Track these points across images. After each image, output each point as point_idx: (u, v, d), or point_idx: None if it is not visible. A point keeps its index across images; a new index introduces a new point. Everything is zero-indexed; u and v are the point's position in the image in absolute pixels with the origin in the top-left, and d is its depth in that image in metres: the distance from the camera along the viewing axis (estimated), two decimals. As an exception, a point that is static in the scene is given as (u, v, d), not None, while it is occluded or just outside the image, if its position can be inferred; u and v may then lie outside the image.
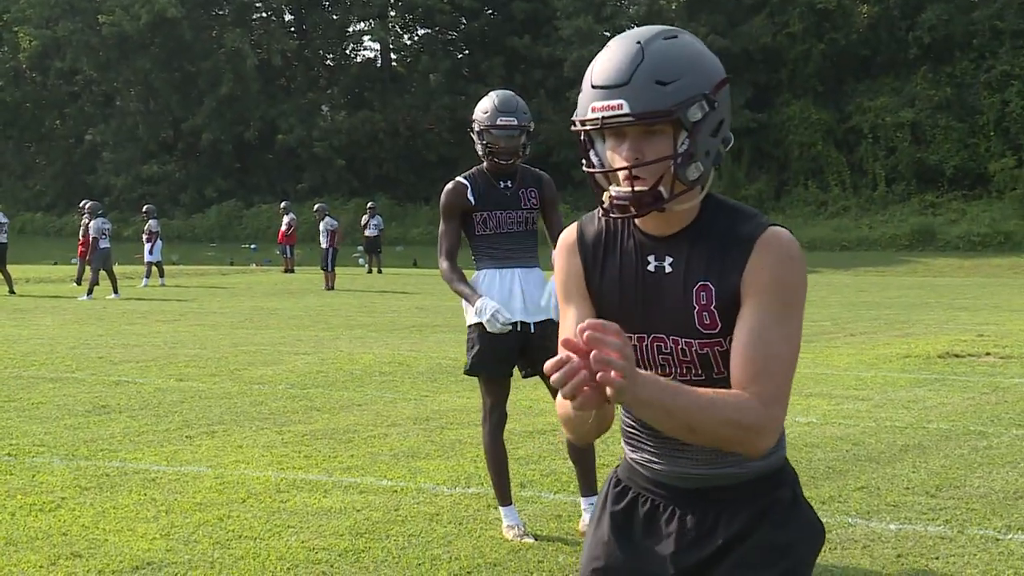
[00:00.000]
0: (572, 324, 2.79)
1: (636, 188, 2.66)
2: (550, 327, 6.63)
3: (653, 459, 2.85)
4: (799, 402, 10.95)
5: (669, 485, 2.84)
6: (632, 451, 2.91)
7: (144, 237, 32.62)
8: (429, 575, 5.84)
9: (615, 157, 2.69)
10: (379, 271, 38.16)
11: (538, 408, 10.84)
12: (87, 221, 28.25)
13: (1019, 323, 19.19)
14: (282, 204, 40.71)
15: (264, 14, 67.32)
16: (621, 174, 2.68)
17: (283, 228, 38.29)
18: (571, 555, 6.15)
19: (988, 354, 14.95)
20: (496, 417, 6.74)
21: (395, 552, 6.24)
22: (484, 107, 6.76)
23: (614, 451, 8.81)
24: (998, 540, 6.44)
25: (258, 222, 56.75)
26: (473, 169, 6.86)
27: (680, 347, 2.73)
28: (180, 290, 29.77)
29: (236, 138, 61.50)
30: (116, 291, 27.09)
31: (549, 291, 6.75)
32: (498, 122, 6.69)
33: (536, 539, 6.50)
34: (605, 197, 2.74)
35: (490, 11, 63.73)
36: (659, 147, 2.66)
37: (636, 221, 2.78)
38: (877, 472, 8.10)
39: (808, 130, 54.35)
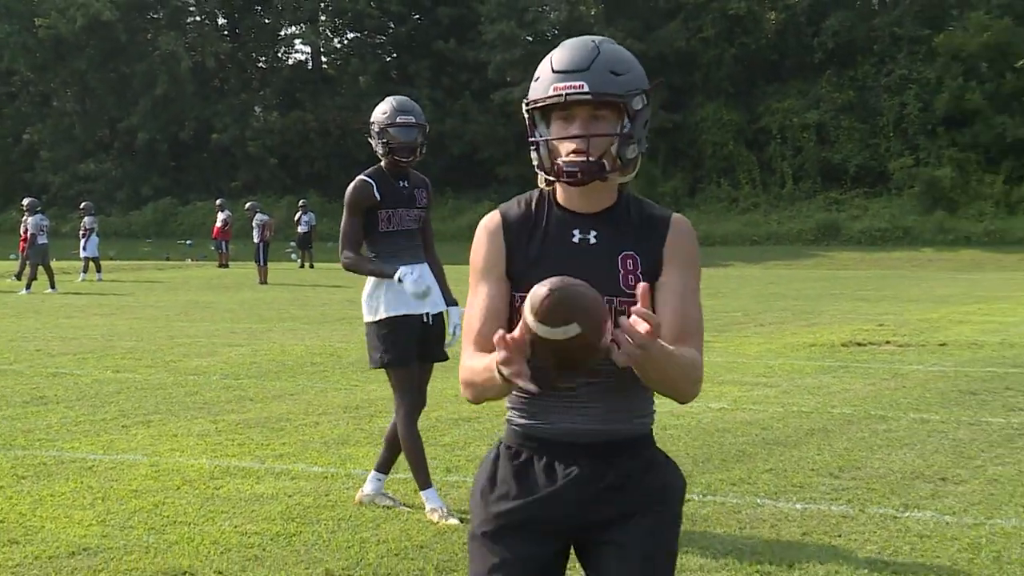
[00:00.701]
0: (484, 300, 3.01)
1: (589, 158, 2.95)
2: (441, 318, 6.91)
3: (555, 419, 2.99)
4: (712, 389, 11.03)
5: (565, 442, 2.98)
6: (524, 417, 3.03)
7: (80, 233, 32.20)
8: (358, 557, 5.82)
9: (562, 135, 2.98)
10: (311, 266, 37.92)
11: (463, 396, 10.82)
12: (26, 218, 27.85)
13: (917, 313, 19.48)
14: (217, 201, 40.34)
15: (198, 17, 66.62)
16: (568, 145, 2.96)
17: (218, 224, 37.94)
18: (494, 536, 6.16)
19: (888, 342, 15.15)
20: (411, 403, 6.75)
21: (325, 536, 6.20)
22: (383, 109, 6.91)
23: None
24: (896, 518, 6.53)
25: (193, 218, 56.22)
26: (371, 169, 6.93)
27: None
28: (117, 284, 29.40)
29: (171, 137, 60.82)
30: (53, 286, 26.71)
31: (456, 322, 7.01)
32: (397, 120, 6.82)
33: (461, 521, 6.50)
34: (548, 168, 3.01)
35: (417, 16, 63.54)
36: (604, 128, 2.99)
37: (560, 200, 3.05)
38: (784, 455, 8.18)
39: (720, 130, 54.76)
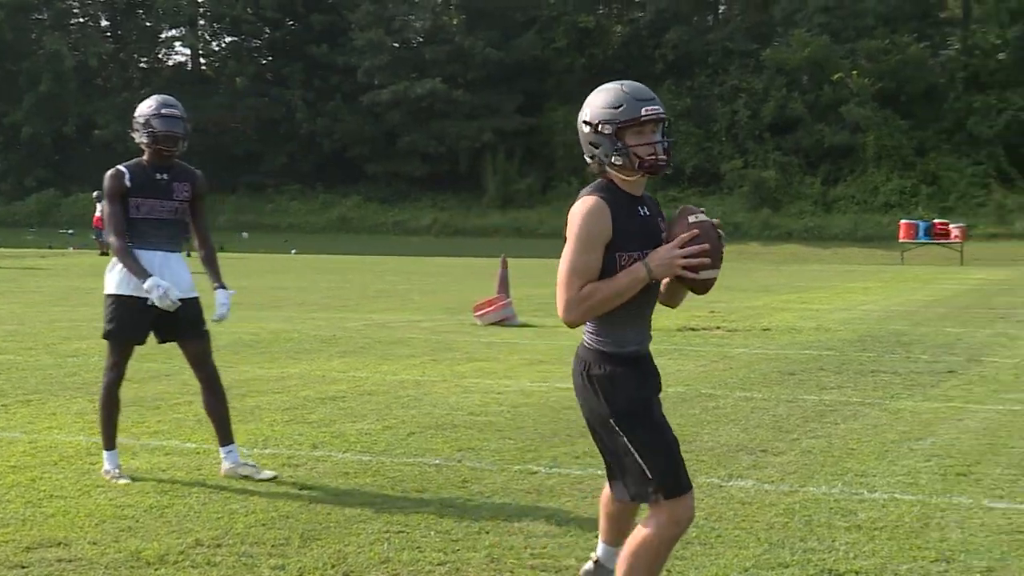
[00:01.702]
0: (593, 263, 3.95)
1: (667, 156, 4.09)
2: (188, 303, 6.83)
3: (640, 342, 4.16)
4: (558, 370, 11.09)
5: (644, 355, 4.19)
6: (628, 347, 4.11)
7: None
8: (227, 527, 5.72)
9: (648, 140, 4.01)
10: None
11: (330, 377, 10.75)
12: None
13: (744, 301, 19.88)
14: (94, 193, 39.37)
15: (81, 19, 65.03)
16: (649, 149, 4.02)
17: (97, 214, 37.02)
18: (355, 508, 6.11)
19: (718, 328, 15.44)
20: (116, 375, 6.81)
21: (196, 507, 6.09)
22: (148, 103, 6.86)
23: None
24: (721, 487, 6.65)
25: (76, 209, 54.80)
26: (134, 160, 6.87)
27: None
28: (0, 271, 28.47)
29: (55, 132, 59.19)
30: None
31: (222, 303, 7.04)
32: (162, 112, 6.77)
33: (133, 480, 6.58)
34: (634, 165, 4.01)
35: (291, 22, 62.82)
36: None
37: (625, 188, 4.06)
38: (623, 429, 8.25)
39: (571, 133, 54.98)
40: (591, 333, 4.12)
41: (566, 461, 7.27)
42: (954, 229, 40.91)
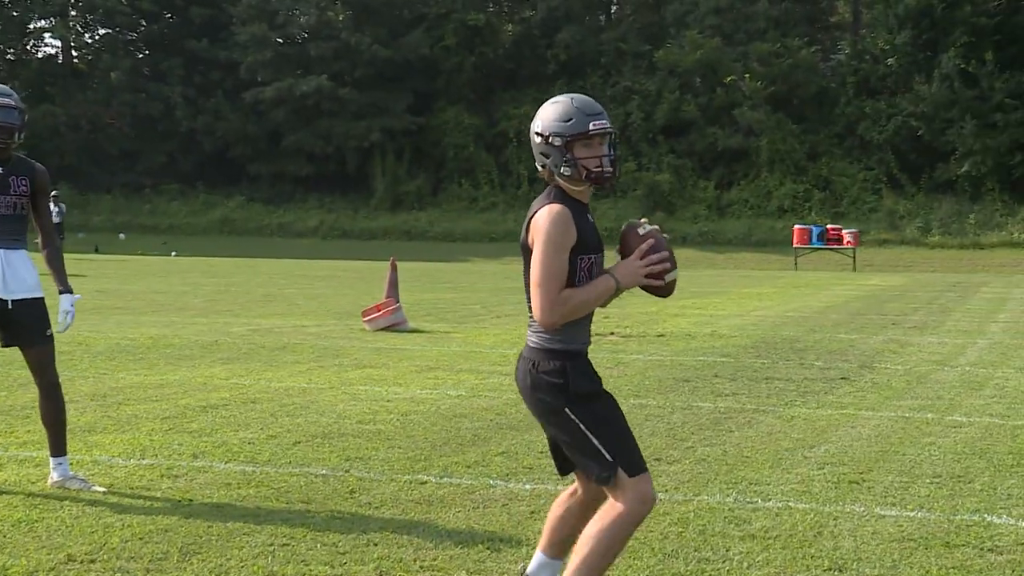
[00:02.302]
0: (564, 265, 4.25)
1: (612, 168, 4.42)
2: (30, 305, 6.62)
3: (586, 340, 4.46)
4: (450, 377, 11.09)
5: (587, 351, 4.47)
6: (577, 343, 4.41)
7: None
8: (102, 542, 5.60)
9: (594, 155, 4.35)
10: (96, 249, 36.42)
11: (212, 384, 10.60)
12: None
13: (638, 307, 20.05)
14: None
15: (-57, 7, 63.17)
16: (597, 161, 4.36)
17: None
18: (238, 520, 6.03)
19: (612, 333, 15.57)
20: None
21: (69, 521, 5.95)
22: None
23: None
24: (616, 495, 6.68)
25: (-62, 208, 53.23)
26: None
27: (602, 256, 4.45)
28: None
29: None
30: None
31: (65, 309, 6.80)
32: None
33: (1, 493, 6.44)
34: (583, 176, 4.34)
35: (169, 15, 61.91)
36: None
37: (574, 196, 4.38)
38: (516, 439, 8.28)
39: (461, 134, 55.20)
40: (541, 333, 4.39)
41: (457, 471, 7.26)
42: (847, 235, 41.87)
